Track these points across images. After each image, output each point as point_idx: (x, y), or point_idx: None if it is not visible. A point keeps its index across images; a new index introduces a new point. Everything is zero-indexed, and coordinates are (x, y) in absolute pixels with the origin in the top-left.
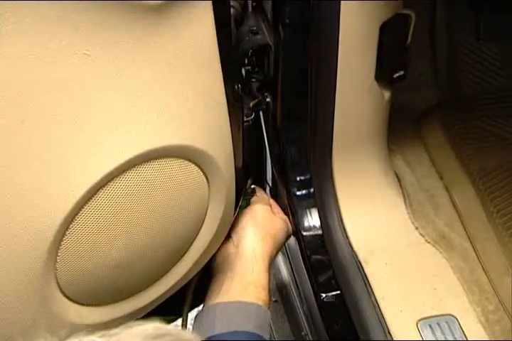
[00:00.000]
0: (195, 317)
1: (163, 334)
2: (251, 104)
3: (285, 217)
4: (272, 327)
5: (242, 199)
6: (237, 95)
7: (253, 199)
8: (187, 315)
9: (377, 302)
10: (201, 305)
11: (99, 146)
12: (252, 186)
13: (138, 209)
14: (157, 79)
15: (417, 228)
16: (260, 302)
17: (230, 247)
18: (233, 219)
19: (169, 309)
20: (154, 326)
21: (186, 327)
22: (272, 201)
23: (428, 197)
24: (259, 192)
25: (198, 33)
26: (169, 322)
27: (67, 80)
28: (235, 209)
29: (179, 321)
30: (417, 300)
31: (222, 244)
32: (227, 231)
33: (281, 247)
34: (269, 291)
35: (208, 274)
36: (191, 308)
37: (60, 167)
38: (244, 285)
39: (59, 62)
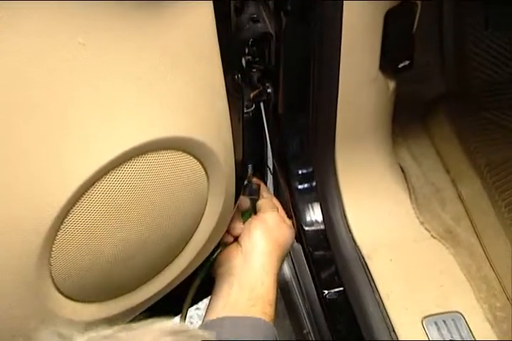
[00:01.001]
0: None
1: (180, 330)
2: (251, 95)
3: (289, 221)
4: None
5: (246, 199)
6: (237, 86)
7: (260, 202)
8: (186, 313)
9: (381, 299)
10: (199, 303)
11: (94, 138)
12: (254, 180)
13: (135, 203)
14: (154, 69)
15: (422, 223)
16: (267, 318)
17: (238, 256)
18: (233, 213)
19: (167, 306)
20: (172, 323)
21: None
22: (275, 201)
23: (434, 191)
24: (265, 192)
25: (197, 22)
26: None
27: (62, 70)
28: (235, 203)
29: (176, 318)
30: (422, 296)
31: (230, 250)
32: (227, 226)
33: (287, 255)
34: (276, 308)
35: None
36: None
37: (54, 159)
38: (253, 299)
39: (54, 52)
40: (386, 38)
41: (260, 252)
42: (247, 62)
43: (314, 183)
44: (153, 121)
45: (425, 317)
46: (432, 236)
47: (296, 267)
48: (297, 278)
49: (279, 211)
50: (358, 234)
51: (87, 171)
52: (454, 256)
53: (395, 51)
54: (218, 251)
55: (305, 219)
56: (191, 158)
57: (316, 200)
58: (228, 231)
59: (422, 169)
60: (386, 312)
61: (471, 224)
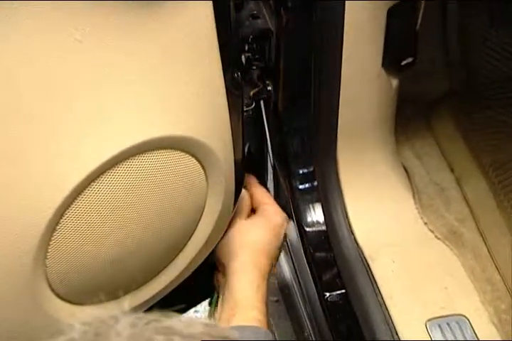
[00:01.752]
0: None
1: (210, 323)
2: (251, 93)
3: (270, 209)
4: (274, 328)
5: None
6: (237, 83)
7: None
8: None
9: (383, 301)
10: (197, 306)
11: (92, 137)
12: None
13: (132, 203)
14: (152, 67)
15: (426, 223)
16: (261, 325)
17: (219, 277)
18: (233, 212)
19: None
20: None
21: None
22: (261, 194)
23: (438, 191)
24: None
25: (196, 21)
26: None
27: (59, 68)
28: (235, 202)
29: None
30: (425, 299)
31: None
32: (227, 226)
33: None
34: (268, 316)
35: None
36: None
37: (50, 159)
38: (245, 318)
39: (51, 50)
40: (389, 34)
41: (239, 269)
42: (246, 59)
43: (315, 183)
44: (151, 120)
45: (429, 320)
46: (435, 236)
47: (297, 269)
48: (298, 279)
49: (256, 202)
50: (360, 235)
51: (83, 171)
52: (458, 257)
53: (398, 48)
54: None
55: (306, 219)
56: (190, 157)
57: (317, 200)
58: None
59: (425, 168)
60: (389, 314)
61: (476, 224)
